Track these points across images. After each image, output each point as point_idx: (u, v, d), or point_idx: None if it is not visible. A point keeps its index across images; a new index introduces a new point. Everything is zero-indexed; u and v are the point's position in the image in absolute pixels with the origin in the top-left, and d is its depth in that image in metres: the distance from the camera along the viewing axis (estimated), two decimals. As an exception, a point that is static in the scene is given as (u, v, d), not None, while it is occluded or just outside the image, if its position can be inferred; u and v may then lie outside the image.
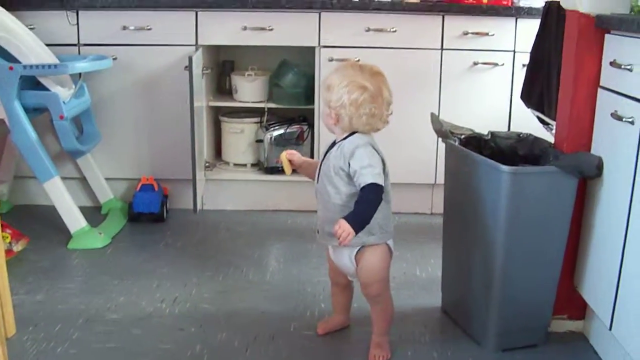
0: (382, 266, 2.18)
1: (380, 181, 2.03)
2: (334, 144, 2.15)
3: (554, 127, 2.45)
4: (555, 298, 2.30)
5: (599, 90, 2.17)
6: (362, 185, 2.03)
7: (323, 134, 3.44)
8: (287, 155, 2.29)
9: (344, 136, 2.11)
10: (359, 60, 3.25)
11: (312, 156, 3.59)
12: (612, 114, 2.02)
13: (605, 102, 2.13)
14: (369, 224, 2.05)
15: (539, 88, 2.71)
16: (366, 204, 2.03)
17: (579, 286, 2.32)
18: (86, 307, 2.54)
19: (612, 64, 2.02)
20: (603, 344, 2.26)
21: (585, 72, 2.18)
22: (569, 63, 2.24)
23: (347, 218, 1.99)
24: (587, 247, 2.26)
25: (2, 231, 2.84)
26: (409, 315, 2.50)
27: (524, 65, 3.21)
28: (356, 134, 2.10)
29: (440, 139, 2.48)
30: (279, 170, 3.57)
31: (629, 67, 1.93)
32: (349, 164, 2.05)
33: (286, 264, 2.99)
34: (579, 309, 2.39)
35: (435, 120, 2.46)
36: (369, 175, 2.03)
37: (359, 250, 2.15)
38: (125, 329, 2.39)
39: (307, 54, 3.50)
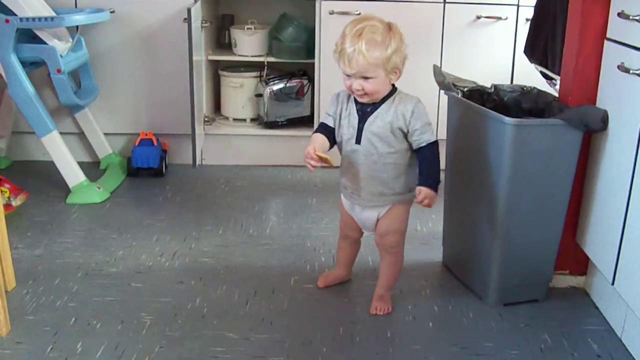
0: (404, 217, 2.19)
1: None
2: (361, 104, 2.07)
3: (558, 81, 2.42)
4: (557, 253, 2.29)
5: (606, 42, 2.12)
6: (425, 144, 2.04)
7: (323, 89, 3.40)
8: (316, 152, 2.08)
9: (384, 95, 2.04)
10: (359, 14, 3.23)
11: (312, 110, 3.57)
12: (618, 67, 1.98)
13: (611, 54, 2.09)
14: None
15: (543, 42, 2.66)
16: (435, 162, 2.06)
17: (582, 242, 2.31)
18: (85, 261, 2.53)
19: (620, 14, 1.98)
20: (604, 300, 2.25)
21: (591, 24, 2.14)
22: (575, 14, 2.19)
23: (425, 184, 2.02)
24: (591, 202, 2.24)
25: (1, 186, 2.82)
26: (409, 269, 2.48)
27: (527, 20, 3.17)
28: (400, 91, 2.07)
29: (442, 92, 2.45)
30: (279, 125, 3.56)
31: (637, 17, 1.89)
32: (410, 122, 2.03)
33: (286, 218, 2.98)
34: (581, 264, 2.38)
35: (438, 72, 2.42)
36: (429, 133, 2.04)
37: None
38: (125, 283, 2.39)
39: (307, 7, 3.44)
